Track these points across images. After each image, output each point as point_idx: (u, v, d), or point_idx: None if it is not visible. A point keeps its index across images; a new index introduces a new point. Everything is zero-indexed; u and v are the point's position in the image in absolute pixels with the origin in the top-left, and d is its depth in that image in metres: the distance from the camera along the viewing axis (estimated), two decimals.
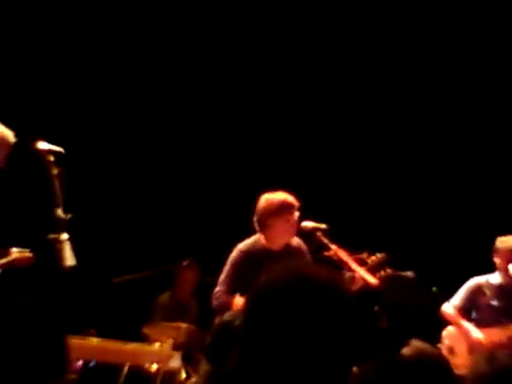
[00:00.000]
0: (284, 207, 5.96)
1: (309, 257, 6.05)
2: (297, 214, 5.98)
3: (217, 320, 4.74)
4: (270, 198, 6.01)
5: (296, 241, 6.10)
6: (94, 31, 8.99)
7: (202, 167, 9.38)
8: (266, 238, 6.01)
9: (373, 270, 5.84)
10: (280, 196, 6.03)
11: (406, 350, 3.74)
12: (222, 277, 5.99)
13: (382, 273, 5.82)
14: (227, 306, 5.68)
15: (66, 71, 8.86)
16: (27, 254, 5.53)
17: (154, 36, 9.21)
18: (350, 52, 9.33)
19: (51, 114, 8.19)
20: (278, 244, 6.02)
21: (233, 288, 5.87)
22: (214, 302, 5.94)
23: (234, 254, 6.03)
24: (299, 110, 9.45)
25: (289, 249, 6.04)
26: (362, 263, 5.82)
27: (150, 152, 9.26)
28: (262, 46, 9.34)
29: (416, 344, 3.80)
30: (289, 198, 6.02)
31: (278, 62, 9.39)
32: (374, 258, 5.93)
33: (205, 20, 9.28)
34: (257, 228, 6.03)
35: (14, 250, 5.52)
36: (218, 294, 5.95)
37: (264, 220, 5.96)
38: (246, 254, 5.98)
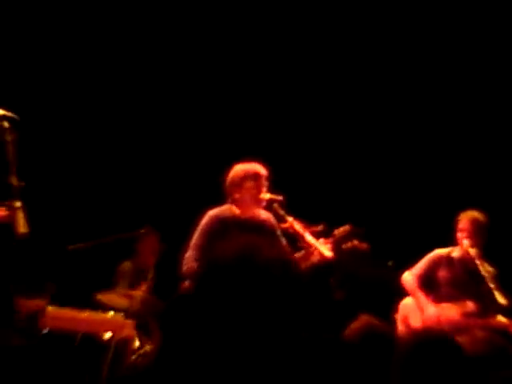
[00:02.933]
0: (248, 176, 5.99)
1: (278, 231, 6.08)
2: (264, 183, 6.00)
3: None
4: (237, 166, 6.09)
5: (265, 213, 6.11)
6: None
7: (164, 133, 9.33)
8: (235, 206, 6.06)
9: (338, 242, 5.85)
10: (247, 165, 6.07)
11: (354, 323, 3.80)
12: (192, 242, 5.96)
13: (349, 244, 5.84)
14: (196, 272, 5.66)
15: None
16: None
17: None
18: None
19: (5, 80, 8.05)
20: (246, 213, 6.04)
21: (203, 254, 5.82)
22: (184, 268, 5.83)
23: (206, 219, 6.01)
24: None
25: (257, 220, 6.05)
26: (318, 235, 5.82)
27: (108, 116, 9.17)
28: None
29: (364, 317, 3.85)
30: (255, 167, 6.04)
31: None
32: (340, 229, 5.93)
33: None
34: (227, 194, 6.08)
35: None
36: (187, 260, 5.86)
37: (229, 187, 6.04)
38: (217, 221, 5.97)
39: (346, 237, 5.88)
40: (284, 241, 6.05)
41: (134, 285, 7.76)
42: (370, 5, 9.15)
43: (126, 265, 8.19)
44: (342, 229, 5.91)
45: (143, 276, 8.06)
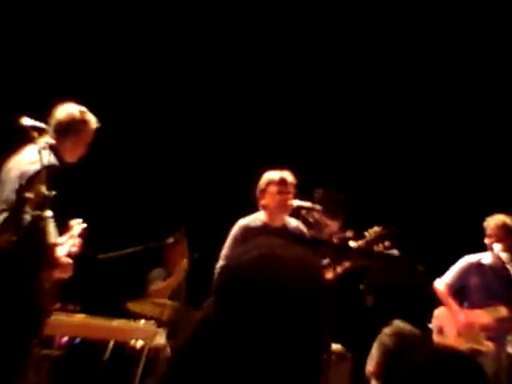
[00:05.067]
0: (272, 181, 6.02)
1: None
2: (289, 189, 6.00)
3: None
4: (266, 174, 6.18)
5: (295, 222, 6.12)
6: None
7: (194, 144, 9.34)
8: (265, 214, 6.12)
9: (371, 243, 5.81)
10: (272, 172, 6.09)
11: (386, 330, 3.76)
12: (223, 251, 6.02)
13: (381, 246, 5.79)
14: None
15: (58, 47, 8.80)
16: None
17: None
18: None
19: (36, 91, 8.09)
20: (275, 220, 6.06)
21: None
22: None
23: (235, 228, 6.12)
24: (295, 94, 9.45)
25: (287, 228, 6.07)
26: (347, 241, 5.80)
27: (138, 126, 9.19)
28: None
29: (396, 323, 3.82)
30: (280, 173, 6.07)
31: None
32: (371, 230, 5.89)
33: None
34: (258, 203, 6.18)
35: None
36: (218, 270, 5.92)
37: (258, 194, 6.13)
38: (246, 229, 6.07)
39: (378, 238, 5.84)
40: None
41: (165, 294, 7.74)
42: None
43: (157, 272, 8.19)
44: (372, 230, 5.87)
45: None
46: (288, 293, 1.75)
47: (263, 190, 6.08)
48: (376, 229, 5.89)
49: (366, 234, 5.88)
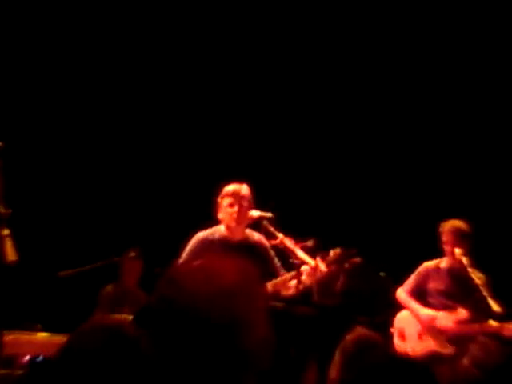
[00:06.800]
0: (225, 194, 6.01)
1: (271, 252, 6.10)
2: (242, 203, 5.98)
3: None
4: (224, 187, 6.12)
5: (257, 236, 6.12)
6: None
7: (150, 158, 9.32)
8: (224, 228, 6.08)
9: (330, 265, 5.81)
10: (228, 186, 6.07)
11: (348, 336, 3.79)
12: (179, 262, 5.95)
13: (350, 263, 5.81)
14: None
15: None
16: None
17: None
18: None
19: None
20: (233, 233, 6.06)
21: None
22: None
23: (193, 240, 6.05)
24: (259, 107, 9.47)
25: (248, 242, 6.06)
26: (308, 251, 5.80)
27: (92, 142, 9.14)
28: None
29: (358, 330, 3.84)
30: (233, 185, 6.05)
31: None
32: (331, 253, 5.87)
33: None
34: (217, 215, 6.12)
35: None
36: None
37: (215, 207, 6.08)
38: (204, 242, 6.00)
39: (338, 260, 5.85)
40: (278, 262, 6.08)
41: (116, 308, 7.71)
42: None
43: (108, 288, 8.17)
44: (332, 252, 5.87)
45: (129, 298, 8.04)
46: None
47: (218, 203, 6.07)
48: (337, 250, 5.89)
49: (328, 254, 5.87)
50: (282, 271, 6.02)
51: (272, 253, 6.08)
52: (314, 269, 5.64)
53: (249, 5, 9.16)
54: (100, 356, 1.77)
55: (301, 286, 5.72)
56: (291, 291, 5.80)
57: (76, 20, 8.88)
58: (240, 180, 6.13)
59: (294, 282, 5.78)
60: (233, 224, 6.00)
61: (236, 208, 5.96)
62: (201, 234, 6.07)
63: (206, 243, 5.98)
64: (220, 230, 6.08)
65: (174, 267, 1.92)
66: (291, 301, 5.72)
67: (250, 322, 1.76)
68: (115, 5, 9.01)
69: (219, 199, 6.06)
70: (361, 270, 5.86)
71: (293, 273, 5.78)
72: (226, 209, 6.01)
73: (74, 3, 8.86)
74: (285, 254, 5.85)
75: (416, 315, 6.96)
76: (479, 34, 8.93)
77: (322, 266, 5.65)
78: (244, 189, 6.04)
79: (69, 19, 8.85)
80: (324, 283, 5.90)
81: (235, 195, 5.99)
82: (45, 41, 8.85)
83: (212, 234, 6.07)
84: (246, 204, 5.99)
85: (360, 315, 4.65)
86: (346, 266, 5.77)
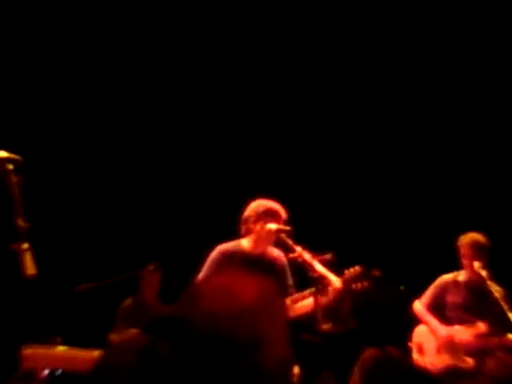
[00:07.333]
0: (270, 213, 5.99)
1: (287, 270, 6.11)
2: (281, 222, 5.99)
3: None
4: (260, 202, 6.12)
5: (277, 252, 6.12)
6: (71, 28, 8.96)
7: (168, 172, 9.34)
8: (249, 241, 6.08)
9: (348, 282, 5.79)
10: (270, 203, 6.07)
11: (366, 352, 3.77)
12: (200, 276, 5.97)
13: (359, 285, 5.78)
14: None
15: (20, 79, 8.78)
16: None
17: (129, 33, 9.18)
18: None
19: (9, 123, 8.07)
20: (258, 249, 6.06)
21: None
22: None
23: (214, 253, 6.05)
24: (289, 123, 9.49)
25: (268, 257, 6.06)
26: (327, 265, 5.79)
27: (113, 157, 9.18)
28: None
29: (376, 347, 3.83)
30: (278, 206, 6.05)
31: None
32: (351, 269, 5.85)
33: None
34: (242, 230, 6.10)
35: None
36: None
37: (249, 222, 6.06)
38: (225, 255, 6.02)
39: (357, 278, 5.83)
40: (291, 281, 6.08)
41: (135, 322, 7.73)
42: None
43: (127, 303, 8.19)
44: (352, 269, 5.85)
45: (148, 312, 8.05)
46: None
47: (259, 218, 6.02)
48: (357, 268, 5.87)
49: (345, 271, 5.86)
50: (292, 290, 6.03)
51: (288, 271, 6.09)
52: (330, 283, 5.62)
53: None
54: (133, 373, 1.77)
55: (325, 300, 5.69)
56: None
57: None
58: (258, 194, 6.13)
59: (309, 301, 5.79)
60: (267, 242, 6.01)
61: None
62: (222, 247, 6.08)
63: (227, 256, 5.99)
64: (241, 244, 6.09)
65: (194, 286, 1.92)
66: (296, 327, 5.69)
67: (270, 341, 1.76)
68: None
69: (257, 213, 6.03)
70: (372, 291, 5.82)
71: (312, 289, 5.77)
72: (265, 225, 5.98)
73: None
74: (303, 268, 5.84)
75: (433, 331, 6.94)
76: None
77: (338, 283, 5.64)
78: (284, 212, 6.05)
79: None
80: (330, 308, 5.87)
81: (278, 216, 5.99)
82: (51, 52, 8.89)
83: (233, 247, 6.08)
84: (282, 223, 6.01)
85: (373, 340, 4.59)
86: (354, 287, 5.72)
